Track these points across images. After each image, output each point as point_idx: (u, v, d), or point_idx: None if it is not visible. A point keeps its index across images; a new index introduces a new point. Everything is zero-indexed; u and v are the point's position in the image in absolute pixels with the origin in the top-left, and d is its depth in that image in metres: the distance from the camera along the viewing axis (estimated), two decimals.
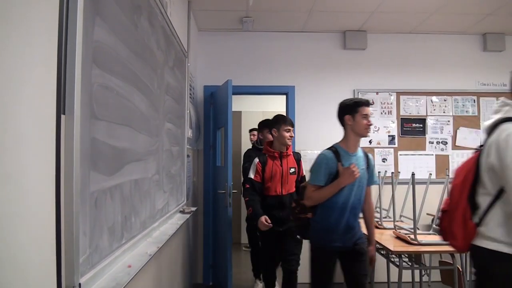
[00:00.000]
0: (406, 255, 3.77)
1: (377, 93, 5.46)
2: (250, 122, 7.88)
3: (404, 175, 5.05)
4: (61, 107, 1.35)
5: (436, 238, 3.67)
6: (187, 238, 4.26)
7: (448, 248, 3.47)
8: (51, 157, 1.30)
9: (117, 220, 1.88)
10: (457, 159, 5.38)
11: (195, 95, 5.01)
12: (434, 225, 3.89)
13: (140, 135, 2.26)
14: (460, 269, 3.56)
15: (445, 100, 5.47)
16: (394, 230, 3.95)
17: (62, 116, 1.35)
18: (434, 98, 5.48)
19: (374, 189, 4.83)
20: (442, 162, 5.40)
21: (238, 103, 7.59)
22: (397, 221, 4.10)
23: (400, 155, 5.42)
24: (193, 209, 3.82)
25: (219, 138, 5.21)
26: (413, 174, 3.55)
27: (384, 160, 5.40)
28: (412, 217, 4.32)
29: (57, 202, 1.32)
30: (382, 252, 4.09)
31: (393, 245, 3.55)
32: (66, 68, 1.38)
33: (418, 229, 3.71)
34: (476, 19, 5.01)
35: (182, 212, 3.47)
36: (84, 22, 1.46)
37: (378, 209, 5.04)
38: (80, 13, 1.41)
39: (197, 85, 5.21)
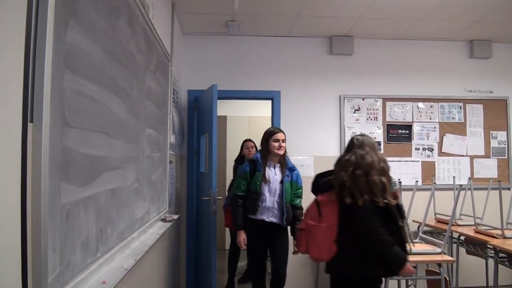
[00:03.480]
0: None
1: (363, 99, 5.41)
2: (235, 127, 7.82)
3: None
4: (28, 114, 1.25)
5: (424, 247, 3.62)
6: (169, 247, 4.15)
7: (436, 258, 3.43)
8: (17, 168, 1.20)
9: (91, 233, 1.78)
10: (443, 166, 5.36)
11: (178, 99, 4.91)
12: (420, 233, 3.83)
13: (118, 142, 2.16)
14: (447, 279, 3.51)
15: (431, 107, 5.45)
16: None
17: (29, 124, 1.25)
18: (420, 105, 5.45)
19: None
20: (428, 168, 5.37)
21: (223, 108, 7.51)
22: None
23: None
24: (175, 217, 3.72)
25: (203, 143, 5.11)
26: (400, 182, 3.49)
27: None
28: None
29: (23, 217, 1.22)
30: None
31: None
32: (35, 72, 1.28)
33: None
34: (463, 26, 4.99)
35: (164, 220, 3.36)
36: (56, 22, 1.36)
37: None
38: (50, 13, 1.31)
39: (180, 90, 5.11)
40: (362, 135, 3.03)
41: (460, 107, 5.47)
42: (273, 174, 3.87)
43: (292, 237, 3.85)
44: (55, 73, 1.36)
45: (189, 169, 5.19)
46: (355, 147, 2.90)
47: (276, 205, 3.80)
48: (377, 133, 5.39)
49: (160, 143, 3.41)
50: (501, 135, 5.43)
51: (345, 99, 5.38)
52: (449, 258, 3.51)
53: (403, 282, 3.89)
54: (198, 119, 5.14)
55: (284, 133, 3.96)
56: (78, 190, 1.63)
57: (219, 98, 4.74)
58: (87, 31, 1.72)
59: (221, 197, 4.71)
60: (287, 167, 3.91)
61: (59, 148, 1.44)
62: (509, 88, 5.52)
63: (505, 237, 3.81)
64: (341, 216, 2.80)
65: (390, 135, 5.40)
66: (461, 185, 3.65)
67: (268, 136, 3.92)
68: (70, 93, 1.53)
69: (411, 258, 3.40)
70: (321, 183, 3.03)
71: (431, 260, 3.49)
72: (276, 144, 3.85)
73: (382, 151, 5.37)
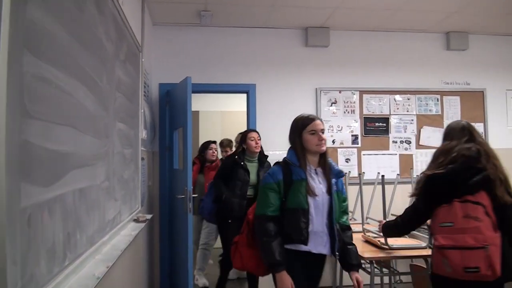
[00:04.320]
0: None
1: (340, 91, 5.30)
2: (208, 122, 7.62)
3: (368, 175, 4.89)
4: None
5: (407, 241, 3.51)
6: (142, 248, 3.93)
7: (420, 252, 3.33)
8: None
9: (58, 239, 1.57)
10: (421, 159, 5.30)
11: (149, 93, 4.68)
12: None
13: (86, 137, 1.95)
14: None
15: (408, 99, 5.38)
16: (362, 234, 3.77)
17: None
18: (397, 97, 5.38)
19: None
20: (406, 161, 5.30)
21: (195, 103, 7.20)
22: (365, 223, 3.92)
23: (363, 155, 5.28)
24: (149, 216, 3.50)
25: (176, 139, 4.89)
26: (382, 176, 3.37)
27: (347, 160, 5.25)
28: (379, 219, 4.19)
29: None
30: None
31: (363, 250, 3.35)
32: None
33: None
34: (440, 16, 4.93)
35: (137, 220, 3.15)
36: None
37: None
38: None
39: (152, 83, 4.88)
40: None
41: (437, 99, 5.42)
42: (317, 182, 2.62)
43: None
44: (12, 53, 1.16)
45: (162, 166, 4.96)
46: (469, 132, 2.55)
47: (325, 228, 2.59)
48: (354, 127, 5.29)
49: (131, 138, 3.19)
50: (478, 127, 5.37)
51: (322, 92, 5.26)
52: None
53: (386, 279, 3.79)
54: (171, 114, 4.92)
55: (322, 121, 2.71)
56: (41, 191, 1.42)
57: (193, 92, 4.53)
58: (51, 9, 1.51)
59: (196, 195, 4.51)
60: (332, 172, 2.69)
61: (17, 142, 1.23)
62: (485, 79, 5.50)
63: None
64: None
65: (367, 128, 5.31)
66: None
67: (301, 127, 2.66)
68: (31, 78, 1.33)
69: (395, 253, 3.30)
70: (475, 181, 2.36)
71: (416, 255, 3.38)
72: (315, 138, 2.60)
73: (359, 145, 5.27)
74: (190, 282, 4.09)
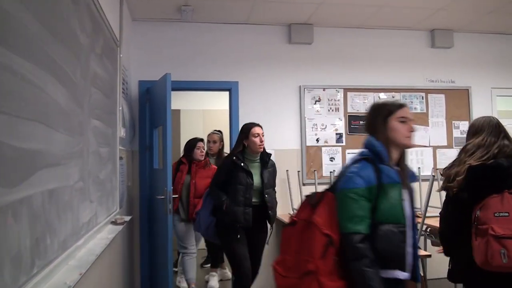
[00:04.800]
0: None
1: (324, 89, 5.21)
2: (189, 121, 7.46)
3: None
4: None
5: None
6: (121, 251, 3.77)
7: None
8: None
9: (24, 245, 1.43)
10: None
11: (128, 90, 4.53)
12: None
13: (58, 134, 1.81)
14: (422, 274, 3.33)
15: (393, 97, 5.31)
16: None
17: None
18: (382, 95, 5.31)
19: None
20: None
21: (177, 101, 7.08)
22: None
23: (348, 153, 5.20)
24: (127, 218, 3.35)
25: (156, 138, 4.74)
26: None
27: (331, 159, 5.16)
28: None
29: None
30: None
31: None
32: None
33: None
34: (425, 14, 4.87)
35: (114, 223, 3.01)
36: None
37: None
38: None
39: (131, 80, 4.72)
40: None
41: (422, 97, 5.37)
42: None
43: None
44: None
45: (142, 165, 4.80)
46: (504, 130, 2.46)
47: (411, 248, 2.02)
48: (339, 125, 5.20)
49: (108, 136, 3.04)
50: (464, 125, 5.37)
51: (305, 89, 5.16)
52: (425, 252, 3.33)
53: None
54: (151, 112, 4.77)
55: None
56: (5, 192, 1.29)
57: (173, 90, 4.40)
58: None
59: (176, 195, 4.36)
60: (408, 173, 2.16)
61: None
62: (470, 77, 5.47)
63: None
64: None
65: (351, 126, 5.23)
66: (433, 176, 3.49)
67: (387, 112, 2.07)
68: None
69: None
70: None
71: None
72: (405, 128, 2.05)
73: (344, 143, 5.19)
74: (170, 284, 3.95)
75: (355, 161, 2.05)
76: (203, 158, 4.69)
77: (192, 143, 4.70)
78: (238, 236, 3.58)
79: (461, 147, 2.53)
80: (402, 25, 5.27)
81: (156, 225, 4.51)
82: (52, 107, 1.74)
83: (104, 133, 2.91)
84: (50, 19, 1.73)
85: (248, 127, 3.73)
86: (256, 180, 3.64)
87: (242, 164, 3.61)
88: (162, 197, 4.03)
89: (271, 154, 3.83)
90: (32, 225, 1.50)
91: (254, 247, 3.74)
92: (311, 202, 2.06)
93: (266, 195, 3.68)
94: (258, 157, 3.76)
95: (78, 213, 2.16)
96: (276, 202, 3.86)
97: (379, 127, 2.05)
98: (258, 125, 3.75)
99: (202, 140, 4.79)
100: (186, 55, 4.96)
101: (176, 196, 4.42)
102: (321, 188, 4.86)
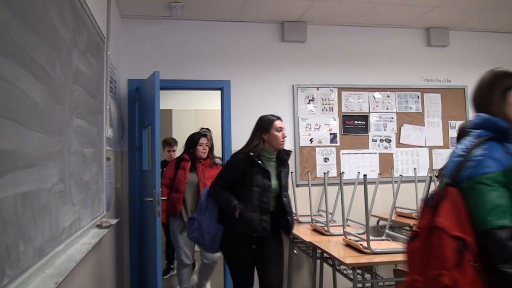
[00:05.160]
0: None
1: (317, 88, 5.11)
2: (181, 121, 7.35)
3: (347, 175, 4.72)
4: None
5: (390, 245, 3.33)
6: (109, 255, 3.65)
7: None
8: None
9: None
10: (402, 157, 5.17)
11: (117, 89, 4.40)
12: (387, 230, 3.55)
13: (33, 133, 1.69)
14: None
15: (388, 96, 5.22)
16: (343, 237, 3.57)
17: None
18: (377, 94, 5.22)
19: (318, 191, 4.51)
20: (386, 160, 5.15)
21: (168, 101, 7.04)
22: (345, 226, 3.72)
23: (342, 154, 5.10)
24: (113, 221, 3.23)
25: (145, 138, 4.62)
26: (365, 176, 3.17)
27: (326, 159, 5.06)
28: (359, 221, 4.00)
29: None
30: (330, 262, 3.72)
31: (344, 256, 3.16)
32: None
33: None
34: (421, 11, 4.78)
35: (100, 226, 2.88)
36: None
37: (322, 213, 4.70)
38: None
39: (120, 78, 4.60)
40: None
41: (418, 96, 5.28)
42: None
43: None
44: None
45: (131, 167, 4.68)
46: None
47: None
48: (333, 125, 5.10)
49: (93, 136, 2.92)
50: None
51: (299, 88, 5.06)
52: None
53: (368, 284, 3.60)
54: (140, 111, 4.65)
55: None
56: None
57: (163, 89, 4.31)
58: None
59: (165, 197, 4.23)
60: None
61: None
62: (467, 76, 5.38)
63: None
64: None
65: (346, 126, 5.13)
66: (431, 177, 3.39)
67: (509, 84, 1.77)
68: None
69: (378, 258, 3.12)
70: None
71: (401, 261, 3.18)
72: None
73: (338, 144, 5.09)
74: None
75: (476, 145, 1.67)
76: (205, 156, 4.37)
77: (195, 139, 4.34)
78: (253, 246, 3.17)
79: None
80: (397, 23, 5.17)
81: (145, 228, 4.38)
82: (26, 104, 1.62)
83: (89, 133, 2.78)
84: (24, 9, 1.62)
85: (271, 119, 3.26)
86: (274, 181, 3.19)
87: (259, 162, 3.13)
88: (151, 199, 3.91)
89: (291, 152, 3.37)
90: (1, 231, 1.39)
91: (267, 260, 3.21)
92: (430, 204, 1.70)
93: (284, 198, 3.22)
94: (275, 155, 3.28)
95: (58, 217, 2.04)
96: None
97: (495, 102, 1.73)
98: (278, 118, 3.32)
99: (206, 135, 4.45)
100: (177, 53, 4.84)
101: (180, 195, 4.18)
102: (315, 190, 4.75)
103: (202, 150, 4.33)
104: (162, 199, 3.97)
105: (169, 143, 5.68)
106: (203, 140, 4.35)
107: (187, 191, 4.23)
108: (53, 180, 1.96)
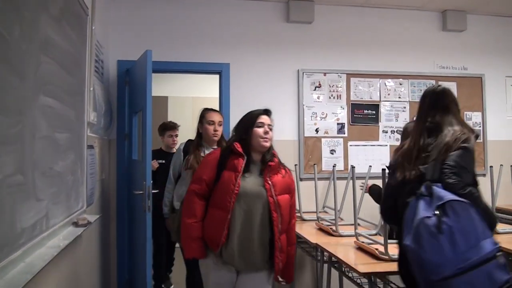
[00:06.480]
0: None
1: (324, 74, 4.71)
2: (178, 109, 6.97)
3: (357, 168, 4.32)
4: None
5: None
6: (87, 259, 3.20)
7: None
8: None
9: None
10: None
11: (105, 70, 3.99)
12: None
13: None
14: None
15: (400, 84, 4.83)
16: (355, 240, 3.17)
17: None
18: (388, 82, 4.82)
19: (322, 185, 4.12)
20: None
21: (164, 87, 6.66)
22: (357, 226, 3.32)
23: (350, 146, 4.71)
24: (93, 218, 2.81)
25: (136, 124, 4.21)
26: (383, 170, 2.77)
27: (332, 151, 4.66)
28: (369, 219, 3.63)
29: None
30: (336, 266, 3.35)
31: (356, 262, 2.76)
32: None
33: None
34: None
35: (76, 224, 2.48)
36: None
37: (327, 209, 4.33)
38: None
39: (109, 59, 4.19)
40: None
41: (432, 84, 4.86)
42: None
43: None
44: None
45: (120, 156, 4.27)
46: None
47: None
48: (341, 114, 4.70)
49: (70, 120, 2.51)
50: (476, 116, 4.91)
51: (304, 74, 4.66)
52: None
53: None
54: (130, 95, 4.23)
55: None
56: None
57: (157, 71, 3.96)
58: None
59: (157, 190, 3.83)
60: None
61: None
62: (484, 64, 4.99)
63: None
64: None
65: (355, 116, 4.74)
66: None
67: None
68: None
69: (395, 266, 2.71)
70: None
71: None
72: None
73: (346, 134, 4.70)
74: None
75: None
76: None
77: (253, 116, 2.63)
78: None
79: None
80: (411, 4, 4.76)
81: (134, 225, 3.99)
82: None
83: (64, 115, 2.38)
84: None
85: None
86: None
87: None
88: (140, 192, 3.51)
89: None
90: None
91: None
92: None
93: None
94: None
95: (14, 216, 1.64)
96: None
97: None
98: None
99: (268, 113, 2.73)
100: (172, 33, 4.44)
101: (226, 215, 2.46)
102: (320, 184, 4.35)
103: (263, 135, 2.55)
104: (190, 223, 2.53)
105: (172, 126, 4.84)
106: (264, 120, 2.63)
107: (236, 209, 2.46)
108: (7, 171, 1.56)
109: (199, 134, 3.43)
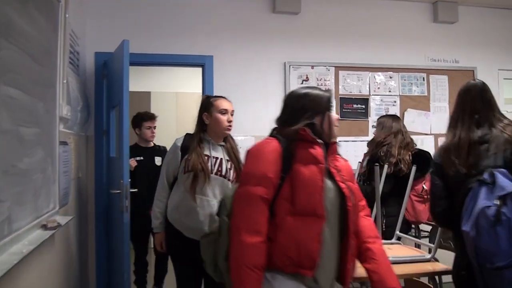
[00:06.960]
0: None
1: (312, 67, 4.57)
2: (161, 104, 6.76)
3: None
4: None
5: (404, 251, 2.78)
6: (59, 265, 2.97)
7: (423, 267, 2.57)
8: None
9: None
10: None
11: (82, 62, 3.78)
12: (397, 231, 3.01)
13: None
14: None
15: (390, 77, 4.71)
16: None
17: None
18: (378, 75, 4.70)
19: None
20: None
21: (146, 82, 6.45)
22: None
23: (339, 141, 4.53)
24: (63, 220, 2.58)
25: (113, 120, 4.00)
26: (379, 166, 2.62)
27: None
28: None
29: None
30: None
31: None
32: None
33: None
34: None
35: (45, 227, 2.28)
36: None
37: None
38: None
39: (86, 51, 3.97)
40: None
41: (423, 78, 4.79)
42: None
43: None
44: None
45: (97, 153, 4.05)
46: None
47: None
48: None
49: (38, 114, 2.30)
50: None
51: (291, 67, 4.51)
52: (443, 266, 2.60)
53: None
54: (108, 89, 4.02)
55: None
56: None
57: (137, 64, 3.81)
58: None
59: (136, 189, 3.62)
60: None
61: None
62: (476, 57, 4.91)
63: None
64: None
65: (344, 110, 4.61)
66: None
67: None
68: None
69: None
70: None
71: (422, 273, 2.57)
72: None
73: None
74: None
75: None
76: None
77: (324, 98, 2.07)
78: None
79: None
80: None
81: (112, 226, 3.79)
82: None
83: (31, 108, 2.17)
84: None
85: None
86: None
87: None
88: (118, 191, 3.31)
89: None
90: None
91: None
92: None
93: None
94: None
95: None
96: None
97: None
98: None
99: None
100: (152, 25, 4.24)
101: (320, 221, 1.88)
102: None
103: (336, 122, 2.11)
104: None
105: (150, 116, 4.43)
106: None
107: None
108: None
109: (202, 128, 2.85)
